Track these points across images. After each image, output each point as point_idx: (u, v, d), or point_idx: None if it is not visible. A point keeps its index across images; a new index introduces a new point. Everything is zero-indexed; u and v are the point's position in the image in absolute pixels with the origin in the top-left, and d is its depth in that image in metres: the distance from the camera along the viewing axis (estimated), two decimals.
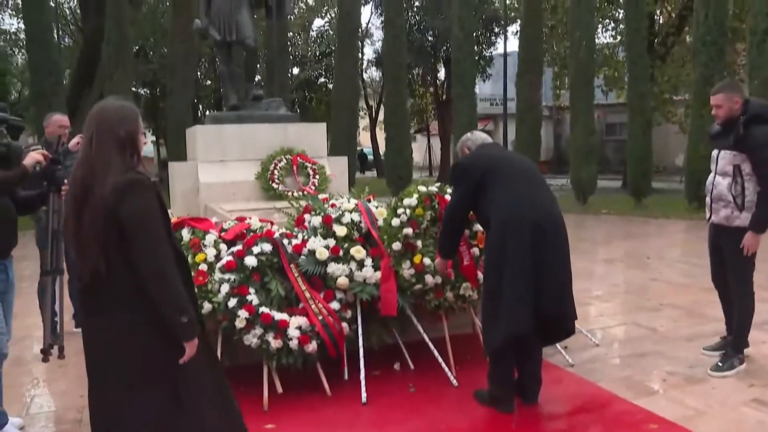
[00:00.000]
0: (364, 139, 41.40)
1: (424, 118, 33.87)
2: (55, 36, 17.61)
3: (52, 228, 3.49)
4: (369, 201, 4.79)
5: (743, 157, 4.24)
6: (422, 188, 4.45)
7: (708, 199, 4.54)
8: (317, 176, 6.76)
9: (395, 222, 4.28)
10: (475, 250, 4.46)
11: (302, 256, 4.23)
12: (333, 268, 4.16)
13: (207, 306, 3.94)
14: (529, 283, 3.53)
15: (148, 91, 27.51)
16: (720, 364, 4.45)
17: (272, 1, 7.54)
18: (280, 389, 3.96)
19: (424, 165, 35.76)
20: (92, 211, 2.32)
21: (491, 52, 26.06)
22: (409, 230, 4.26)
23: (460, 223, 4.03)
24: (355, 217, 4.43)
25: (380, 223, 4.44)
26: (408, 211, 4.30)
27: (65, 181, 3.36)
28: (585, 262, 8.91)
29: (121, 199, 2.30)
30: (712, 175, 4.50)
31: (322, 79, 28.82)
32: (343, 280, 4.14)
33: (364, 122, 34.39)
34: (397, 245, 4.24)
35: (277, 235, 4.28)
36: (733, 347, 4.52)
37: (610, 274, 8.25)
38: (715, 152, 4.50)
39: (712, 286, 4.82)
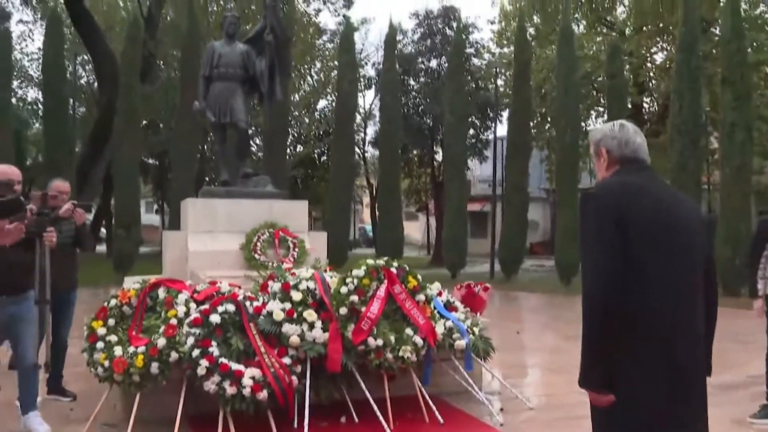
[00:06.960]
0: (366, 215, 42.23)
1: (422, 198, 34.61)
2: (71, 109, 18.66)
3: (40, 267, 4.37)
4: (326, 272, 5.43)
5: None
6: (370, 261, 5.09)
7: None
8: (297, 249, 7.43)
9: (344, 289, 4.90)
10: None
11: (261, 317, 4.83)
12: (287, 328, 4.74)
13: (174, 355, 4.53)
14: None
15: (157, 162, 28.60)
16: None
17: (264, 88, 8.42)
18: None
19: (423, 243, 36.20)
20: None
21: (487, 136, 26.96)
22: (355, 297, 4.87)
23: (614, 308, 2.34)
24: (311, 285, 5.06)
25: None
26: (355, 281, 4.93)
27: (47, 228, 4.38)
28: (556, 339, 9.39)
29: None
30: None
31: (324, 158, 29.71)
32: (295, 339, 4.72)
33: (366, 200, 35.18)
34: (343, 310, 4.84)
35: (240, 297, 4.89)
36: None
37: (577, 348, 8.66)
38: None
39: None
